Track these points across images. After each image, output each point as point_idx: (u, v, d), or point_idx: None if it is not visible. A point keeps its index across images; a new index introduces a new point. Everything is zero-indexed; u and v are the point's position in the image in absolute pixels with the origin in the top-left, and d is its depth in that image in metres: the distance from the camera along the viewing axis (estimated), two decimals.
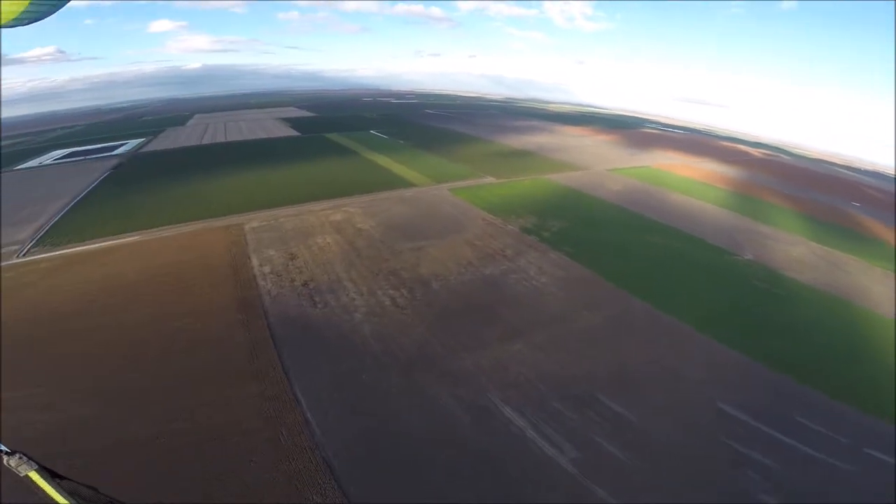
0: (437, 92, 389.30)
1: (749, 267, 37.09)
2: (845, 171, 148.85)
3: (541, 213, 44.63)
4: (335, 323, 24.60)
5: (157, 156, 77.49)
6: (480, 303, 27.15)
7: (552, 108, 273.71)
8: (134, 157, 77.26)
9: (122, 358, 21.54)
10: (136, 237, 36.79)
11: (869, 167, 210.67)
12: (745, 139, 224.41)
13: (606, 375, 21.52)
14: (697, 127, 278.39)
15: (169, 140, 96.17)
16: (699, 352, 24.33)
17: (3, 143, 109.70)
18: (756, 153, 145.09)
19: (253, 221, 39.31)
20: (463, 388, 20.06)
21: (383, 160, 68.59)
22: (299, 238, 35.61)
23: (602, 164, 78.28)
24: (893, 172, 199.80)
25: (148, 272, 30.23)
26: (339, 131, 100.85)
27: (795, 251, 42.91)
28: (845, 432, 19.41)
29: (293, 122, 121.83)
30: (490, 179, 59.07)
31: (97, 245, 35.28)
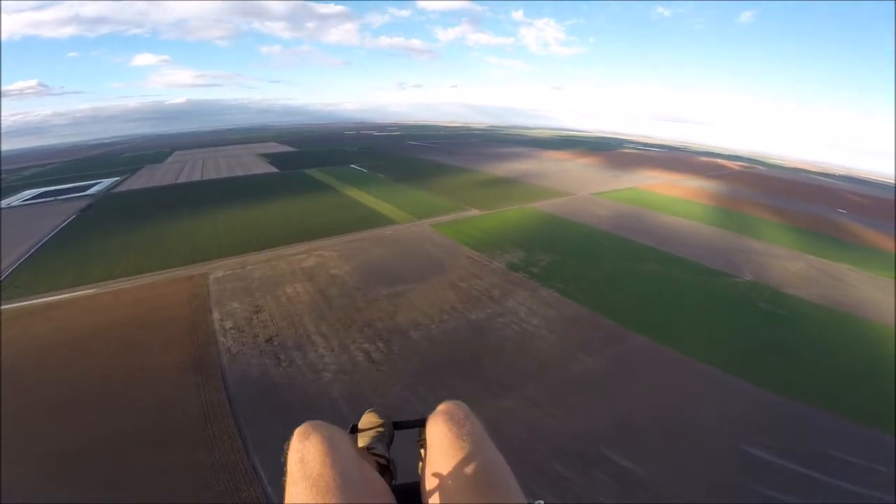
0: (421, 123, 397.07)
1: (751, 288, 35.39)
2: (821, 178, 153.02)
3: (528, 247, 42.44)
4: (300, 384, 21.70)
5: (128, 196, 74.71)
6: (465, 353, 24.47)
7: (533, 133, 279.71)
8: (105, 197, 74.35)
9: (59, 419, 19.42)
10: (92, 289, 33.76)
11: (842, 172, 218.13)
12: (721, 153, 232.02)
13: (610, 427, 19.18)
14: (674, 144, 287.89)
15: (144, 178, 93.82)
16: (711, 388, 22.27)
17: None
18: (733, 166, 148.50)
19: (219, 270, 36.28)
20: None
21: (363, 196, 66.45)
22: (267, 288, 32.61)
23: (586, 188, 77.68)
24: (865, 176, 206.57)
25: (98, 328, 27.62)
26: (319, 166, 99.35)
27: (794, 266, 41.71)
28: (884, 461, 17.80)
29: (272, 158, 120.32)
30: (474, 212, 57.03)
31: (50, 298, 32.29)
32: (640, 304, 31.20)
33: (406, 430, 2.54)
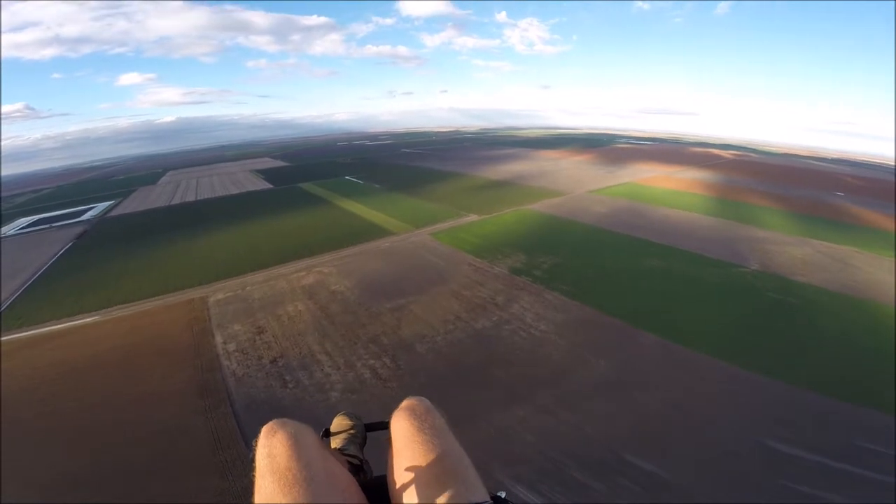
0: (413, 130, 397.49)
1: (758, 278, 35.06)
2: (814, 162, 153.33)
3: (529, 249, 42.00)
4: (308, 405, 21.27)
5: (123, 220, 74.33)
6: (474, 363, 23.99)
7: (525, 134, 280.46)
8: (100, 222, 74.22)
9: (66, 450, 19.18)
10: (92, 318, 33.34)
11: (834, 155, 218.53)
12: (713, 142, 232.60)
13: (629, 430, 18.75)
14: (665, 136, 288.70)
15: (138, 201, 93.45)
16: (728, 384, 21.86)
17: None
18: (726, 155, 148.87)
19: (218, 293, 35.74)
20: None
21: (359, 208, 66.01)
22: (268, 308, 32.08)
23: (582, 186, 77.47)
24: (858, 158, 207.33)
25: (100, 356, 27.29)
26: (313, 180, 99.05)
27: (799, 252, 41.47)
28: None
29: (266, 174, 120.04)
30: (472, 217, 56.58)
31: (51, 328, 32.02)
32: (648, 302, 30.76)
33: (378, 430, 2.57)
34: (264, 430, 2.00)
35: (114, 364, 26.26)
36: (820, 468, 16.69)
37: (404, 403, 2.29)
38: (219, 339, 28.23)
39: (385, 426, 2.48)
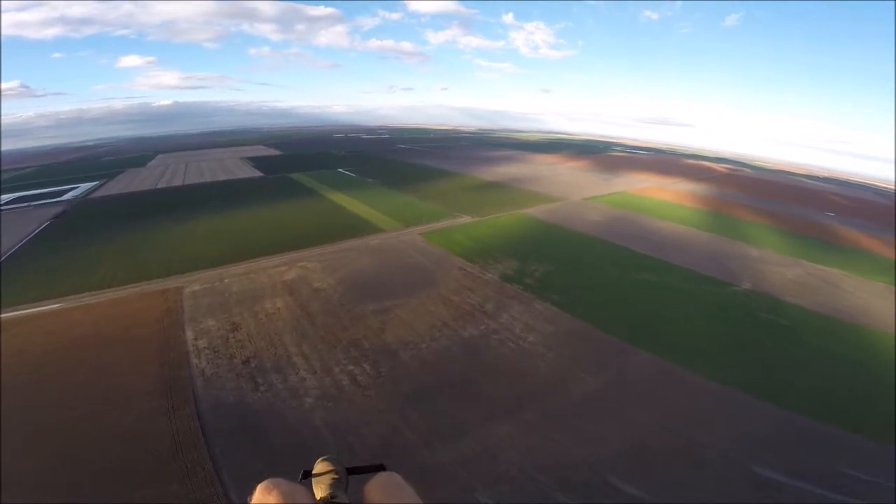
0: (411, 126, 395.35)
1: (750, 298, 34.50)
2: (806, 180, 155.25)
3: (522, 256, 40.94)
4: (280, 411, 20.07)
5: (105, 202, 71.82)
6: (459, 374, 22.94)
7: (523, 137, 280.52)
8: (81, 203, 71.53)
9: (19, 450, 17.92)
10: (58, 304, 31.49)
11: (824, 174, 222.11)
12: (707, 155, 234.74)
13: (616, 453, 18.05)
14: (660, 146, 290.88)
15: (123, 183, 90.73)
16: (719, 406, 21.29)
17: None
18: (720, 168, 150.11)
19: (194, 284, 34.13)
20: (443, 487, 16.26)
21: (349, 202, 64.44)
22: (245, 303, 30.59)
23: (577, 192, 76.90)
24: (847, 177, 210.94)
25: (63, 347, 25.76)
26: (305, 170, 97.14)
27: (790, 273, 41.17)
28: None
29: (258, 162, 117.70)
30: (465, 219, 55.35)
31: (16, 313, 30.13)
32: (639, 317, 29.94)
33: (359, 475, 2.63)
34: (259, 488, 2.11)
35: (79, 356, 24.76)
36: (804, 496, 16.27)
37: (377, 479, 2.43)
38: (189, 334, 26.76)
39: (366, 470, 2.61)
